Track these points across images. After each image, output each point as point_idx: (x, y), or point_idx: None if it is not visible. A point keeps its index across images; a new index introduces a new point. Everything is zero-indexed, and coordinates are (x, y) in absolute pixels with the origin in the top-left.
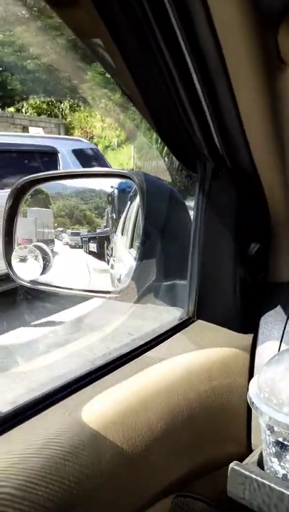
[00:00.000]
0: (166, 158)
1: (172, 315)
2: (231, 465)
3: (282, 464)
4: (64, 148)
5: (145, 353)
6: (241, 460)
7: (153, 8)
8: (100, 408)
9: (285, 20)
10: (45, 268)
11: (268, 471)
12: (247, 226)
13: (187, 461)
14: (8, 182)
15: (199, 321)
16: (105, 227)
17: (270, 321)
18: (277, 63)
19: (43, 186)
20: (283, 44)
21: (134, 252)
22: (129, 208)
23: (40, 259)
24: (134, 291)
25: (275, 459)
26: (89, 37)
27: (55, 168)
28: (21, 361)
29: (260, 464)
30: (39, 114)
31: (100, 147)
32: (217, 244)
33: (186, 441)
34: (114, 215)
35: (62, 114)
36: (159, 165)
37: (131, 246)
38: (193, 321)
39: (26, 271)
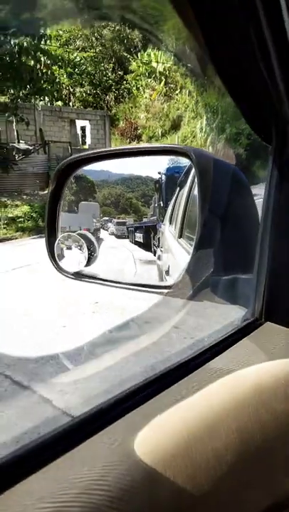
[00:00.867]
0: (210, 148)
1: (231, 315)
2: None
3: None
4: None
5: (207, 362)
6: None
7: None
8: (155, 436)
9: None
10: (89, 259)
11: None
12: None
13: (263, 496)
14: None
15: (268, 323)
16: (152, 216)
17: None
18: None
19: (87, 172)
20: None
21: (183, 242)
22: (178, 195)
23: (85, 250)
24: (187, 285)
25: None
26: None
27: None
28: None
29: None
30: (85, 107)
31: (144, 138)
32: None
33: (261, 474)
34: (161, 203)
35: (107, 106)
36: None
37: (180, 236)
38: (260, 324)
39: (70, 262)
